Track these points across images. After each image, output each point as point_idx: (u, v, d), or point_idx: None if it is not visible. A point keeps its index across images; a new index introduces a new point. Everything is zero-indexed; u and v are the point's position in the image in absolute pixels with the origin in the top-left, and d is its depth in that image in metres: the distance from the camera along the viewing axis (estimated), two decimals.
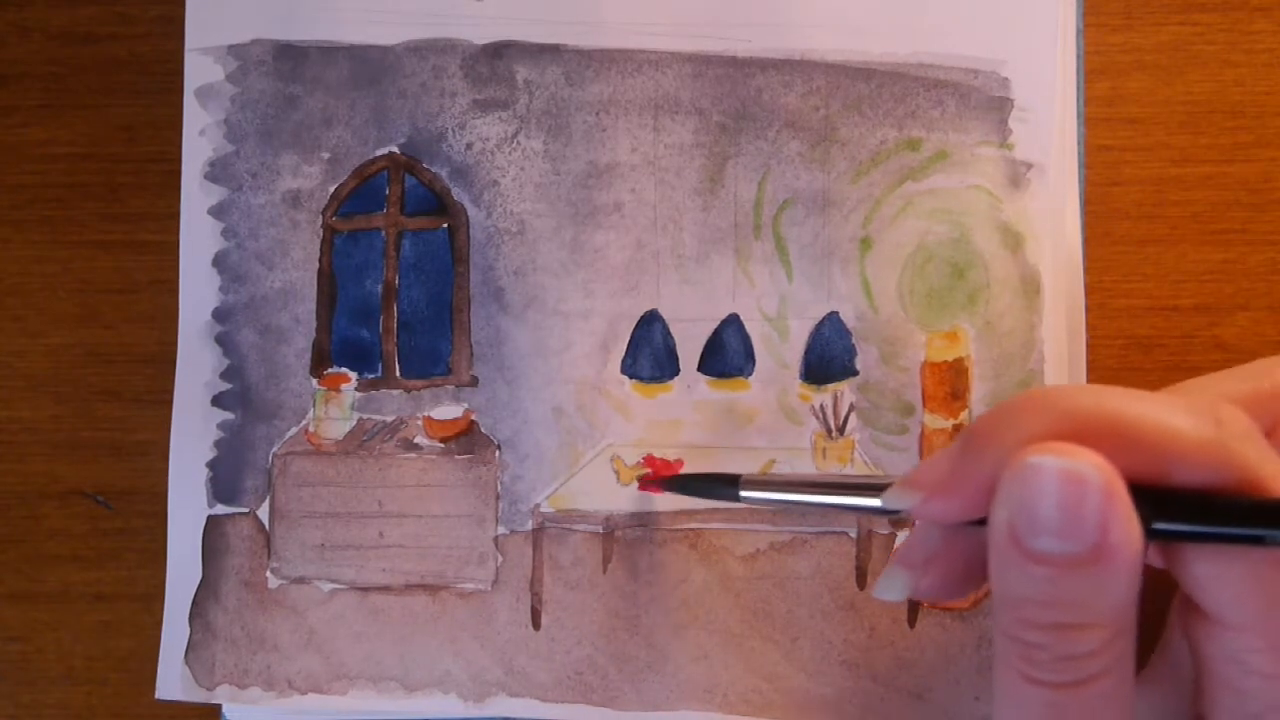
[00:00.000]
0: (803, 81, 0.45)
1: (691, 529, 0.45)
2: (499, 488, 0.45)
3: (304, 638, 0.45)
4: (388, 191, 0.46)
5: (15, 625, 0.47)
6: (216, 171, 0.46)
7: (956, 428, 0.44)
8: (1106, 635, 0.27)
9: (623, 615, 0.45)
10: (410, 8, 0.46)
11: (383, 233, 0.46)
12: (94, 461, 0.47)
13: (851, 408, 0.45)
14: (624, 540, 0.45)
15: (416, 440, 0.46)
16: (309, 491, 0.45)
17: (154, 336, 0.47)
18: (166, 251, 0.46)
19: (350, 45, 0.46)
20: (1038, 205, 0.44)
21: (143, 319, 0.47)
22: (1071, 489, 0.27)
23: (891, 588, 0.34)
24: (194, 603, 0.45)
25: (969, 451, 0.29)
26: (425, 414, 0.46)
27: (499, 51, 0.46)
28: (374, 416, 0.46)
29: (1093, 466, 0.27)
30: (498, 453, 0.45)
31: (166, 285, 0.47)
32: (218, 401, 0.46)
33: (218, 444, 0.46)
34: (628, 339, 0.45)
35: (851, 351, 0.45)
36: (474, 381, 0.45)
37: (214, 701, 0.45)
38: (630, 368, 0.45)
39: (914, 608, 0.44)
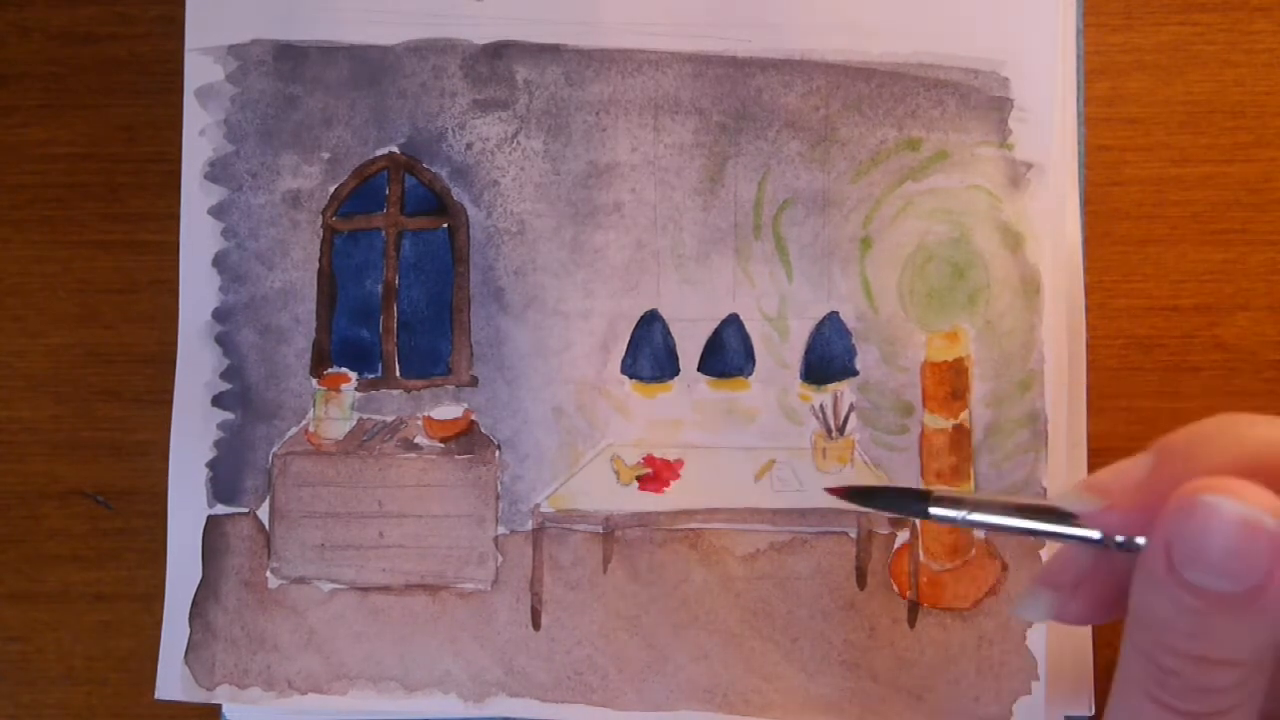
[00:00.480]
0: (803, 81, 0.45)
1: (691, 529, 0.45)
2: (499, 488, 0.45)
3: (304, 638, 0.45)
4: (388, 191, 0.46)
5: (15, 625, 0.47)
6: (216, 171, 0.46)
7: (956, 428, 0.44)
8: (1244, 673, 0.27)
9: (623, 615, 0.45)
10: (410, 8, 0.46)
11: (383, 233, 0.46)
12: (94, 461, 0.47)
13: (851, 408, 0.45)
14: (624, 540, 0.45)
15: (416, 440, 0.46)
16: (309, 491, 0.45)
17: (154, 336, 0.47)
18: (166, 251, 0.46)
19: (350, 45, 0.46)
20: (1038, 205, 0.44)
21: (143, 319, 0.47)
22: (1245, 533, 0.26)
23: (1036, 609, 0.32)
24: (194, 603, 0.45)
25: (1162, 467, 0.29)
26: (425, 414, 0.46)
27: (499, 51, 0.46)
28: (374, 416, 0.46)
29: (1271, 514, 0.26)
30: (498, 453, 0.45)
31: (166, 285, 0.47)
32: (218, 401, 0.46)
33: (218, 444, 0.46)
34: (628, 339, 0.45)
35: (851, 351, 0.45)
36: (474, 381, 0.45)
37: (214, 701, 0.45)
38: (630, 368, 0.45)
39: (914, 608, 0.44)
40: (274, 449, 0.45)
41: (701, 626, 0.44)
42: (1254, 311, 0.46)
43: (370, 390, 0.46)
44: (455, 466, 0.45)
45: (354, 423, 0.46)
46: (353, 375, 0.46)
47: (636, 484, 0.45)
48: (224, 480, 0.45)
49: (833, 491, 0.38)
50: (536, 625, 0.45)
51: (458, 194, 0.46)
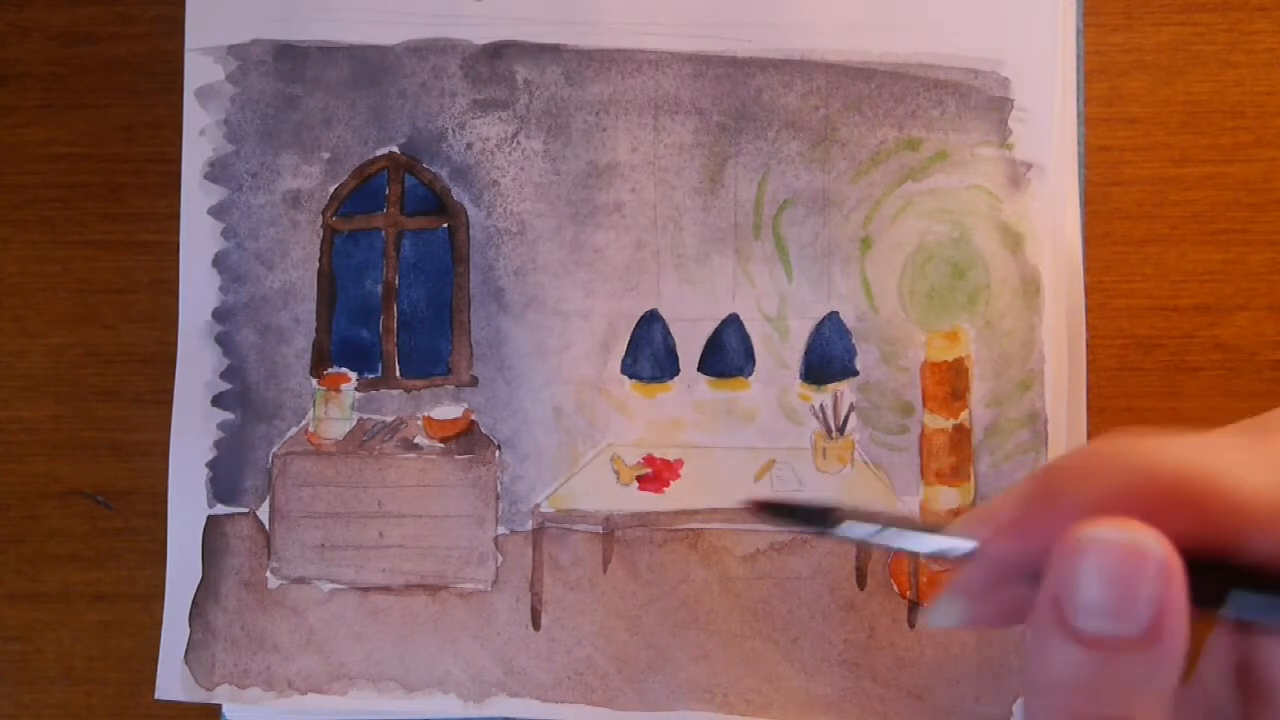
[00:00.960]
0: (803, 81, 0.45)
1: (691, 529, 0.45)
2: (499, 488, 0.45)
3: (304, 638, 0.45)
4: (388, 191, 0.46)
5: (15, 625, 0.47)
6: (216, 171, 0.46)
7: (956, 428, 0.44)
8: None
9: (623, 615, 0.45)
10: (410, 8, 0.46)
11: (383, 233, 0.46)
12: (94, 461, 0.47)
13: (851, 408, 0.45)
14: (624, 540, 0.45)
15: (416, 440, 0.46)
16: (309, 491, 0.45)
17: (154, 336, 0.47)
18: (166, 251, 0.46)
19: (350, 45, 0.46)
20: (1038, 205, 0.44)
21: (143, 319, 0.47)
22: (1127, 570, 0.25)
23: (947, 615, 0.31)
24: (194, 603, 0.45)
25: (1037, 500, 0.28)
26: (425, 414, 0.46)
27: (499, 51, 0.46)
28: (374, 416, 0.46)
29: (1151, 546, 0.25)
30: (498, 453, 0.45)
31: (166, 285, 0.47)
32: (218, 401, 0.46)
33: (218, 444, 0.46)
34: (628, 339, 0.45)
35: (851, 351, 0.45)
36: (474, 381, 0.45)
37: (214, 702, 0.45)
38: (630, 368, 0.45)
39: (914, 608, 0.44)
40: (274, 449, 0.45)
41: (701, 626, 0.44)
42: (1254, 311, 0.46)
43: (370, 390, 0.46)
44: (455, 466, 0.45)
45: (354, 423, 0.46)
46: (353, 375, 0.46)
47: (636, 484, 0.45)
48: (224, 480, 0.45)
49: (748, 507, 0.38)
50: (536, 625, 0.45)
51: (458, 194, 0.46)
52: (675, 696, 0.44)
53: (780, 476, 0.45)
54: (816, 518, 0.32)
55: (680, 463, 0.45)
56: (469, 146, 0.46)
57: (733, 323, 0.45)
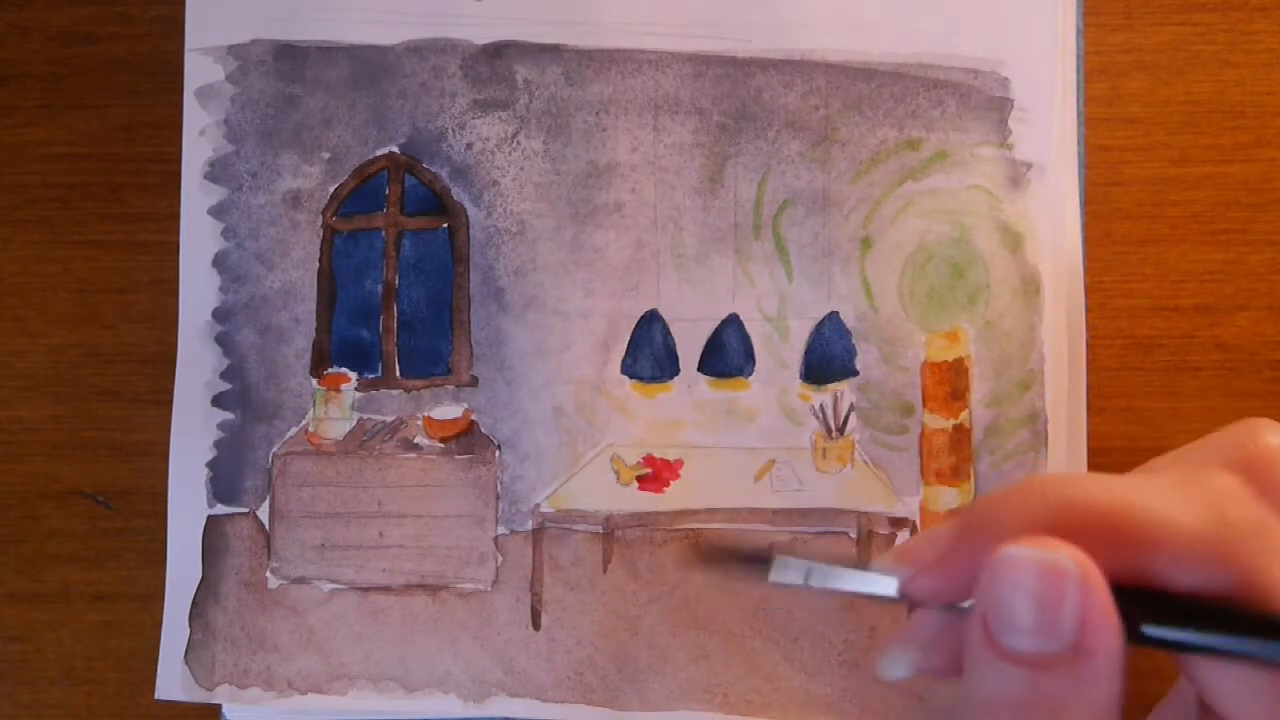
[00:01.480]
0: (803, 81, 0.45)
1: (691, 529, 0.45)
2: (499, 488, 0.45)
3: (304, 638, 0.45)
4: (388, 191, 0.46)
5: (15, 625, 0.47)
6: (216, 171, 0.46)
7: (956, 428, 0.44)
8: None
9: (623, 615, 0.45)
10: (410, 8, 0.46)
11: (383, 233, 0.46)
12: (94, 461, 0.47)
13: (851, 408, 0.45)
14: (624, 540, 0.45)
15: (416, 440, 0.46)
16: (309, 491, 0.45)
17: (154, 336, 0.47)
18: (166, 251, 0.46)
19: (350, 45, 0.46)
20: (1038, 205, 0.44)
21: (143, 319, 0.47)
22: (1048, 584, 0.25)
23: (896, 667, 0.31)
24: (194, 603, 0.45)
25: (962, 534, 0.28)
26: (425, 414, 0.46)
27: (499, 51, 0.46)
28: (374, 416, 0.46)
29: (1070, 560, 0.25)
30: (498, 453, 0.45)
31: (166, 285, 0.47)
32: (218, 401, 0.46)
33: (218, 444, 0.46)
34: (628, 339, 0.45)
35: (851, 351, 0.45)
36: (474, 381, 0.45)
37: (214, 702, 0.45)
38: (630, 367, 0.45)
39: (914, 608, 0.44)
40: (274, 449, 0.45)
41: (701, 626, 0.44)
42: (1254, 311, 0.46)
43: (370, 390, 0.46)
44: (455, 466, 0.45)
45: (354, 423, 0.46)
46: (353, 375, 0.46)
47: (636, 484, 0.45)
48: (224, 480, 0.45)
49: (692, 557, 0.38)
50: (536, 625, 0.45)
51: (458, 194, 0.46)
52: (675, 696, 0.44)
53: (780, 476, 0.45)
54: (753, 561, 0.32)
55: (680, 463, 0.45)
56: (469, 146, 0.46)
57: (733, 323, 0.45)
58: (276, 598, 0.45)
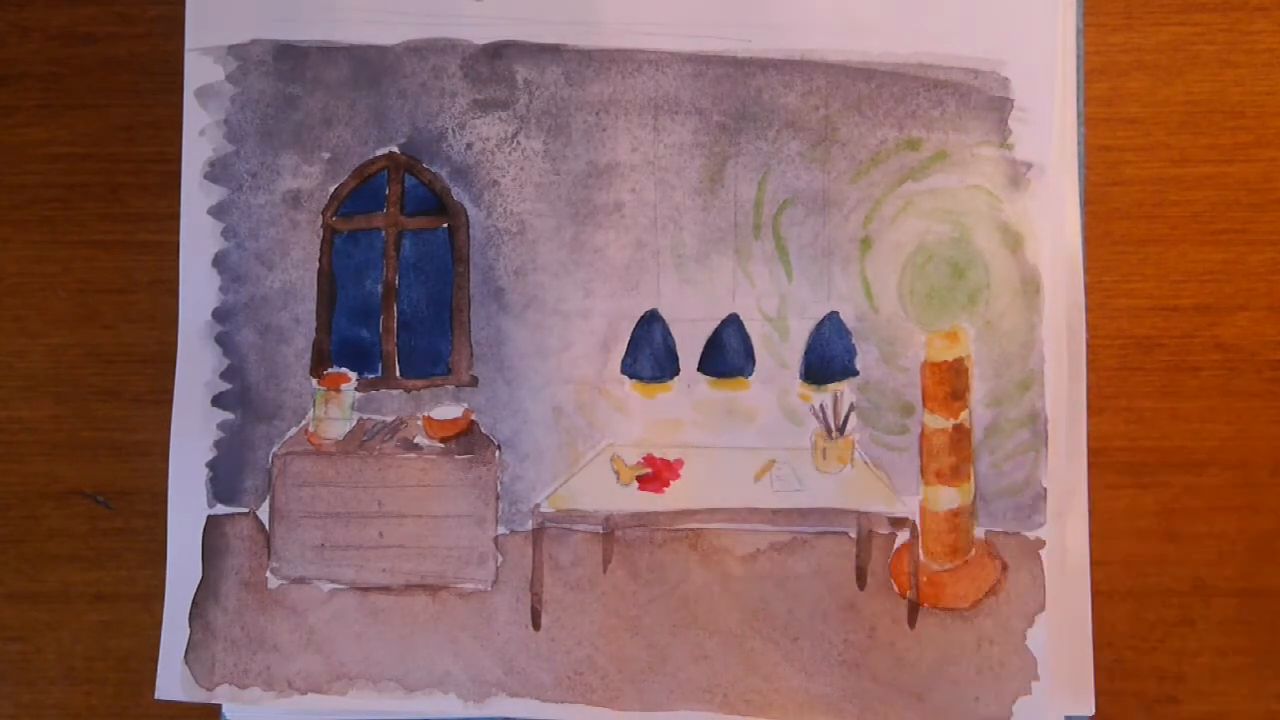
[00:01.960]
0: (803, 81, 0.45)
1: (691, 529, 0.45)
2: (499, 488, 0.45)
3: (304, 638, 0.45)
4: (388, 191, 0.46)
5: (15, 625, 0.47)
6: (216, 171, 0.46)
7: (957, 428, 0.44)
8: None
9: (623, 615, 0.45)
10: (410, 8, 0.46)
11: (383, 233, 0.46)
12: (94, 461, 0.47)
13: (851, 407, 0.45)
14: (624, 540, 0.45)
15: (416, 440, 0.46)
16: (309, 491, 0.45)
17: (154, 336, 0.47)
18: (166, 251, 0.46)
19: (350, 45, 0.46)
20: (1038, 205, 0.44)
21: (143, 319, 0.47)
22: None
23: None
24: (194, 603, 0.45)
25: None
26: (425, 414, 0.46)
27: (499, 51, 0.46)
28: (374, 416, 0.46)
29: None
30: (498, 453, 0.45)
31: (166, 285, 0.47)
32: (218, 401, 0.46)
33: (218, 444, 0.46)
34: (628, 339, 0.45)
35: (851, 351, 0.45)
36: (474, 381, 0.45)
37: (214, 702, 0.45)
38: (630, 367, 0.45)
39: (914, 608, 0.44)
40: (274, 449, 0.45)
41: (701, 626, 0.44)
42: (1254, 311, 0.46)
43: (370, 390, 0.46)
44: (455, 466, 0.45)
45: (354, 423, 0.46)
46: (353, 375, 0.46)
47: (636, 484, 0.45)
48: (224, 480, 0.45)
49: None
50: (536, 625, 0.45)
51: (458, 194, 0.46)
52: (675, 696, 0.44)
53: (780, 476, 0.45)
54: None
55: (680, 463, 0.45)
56: (469, 146, 0.46)
57: (733, 323, 0.45)
58: (276, 598, 0.45)
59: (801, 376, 0.45)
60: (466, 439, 0.45)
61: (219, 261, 0.46)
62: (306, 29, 0.46)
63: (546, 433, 0.45)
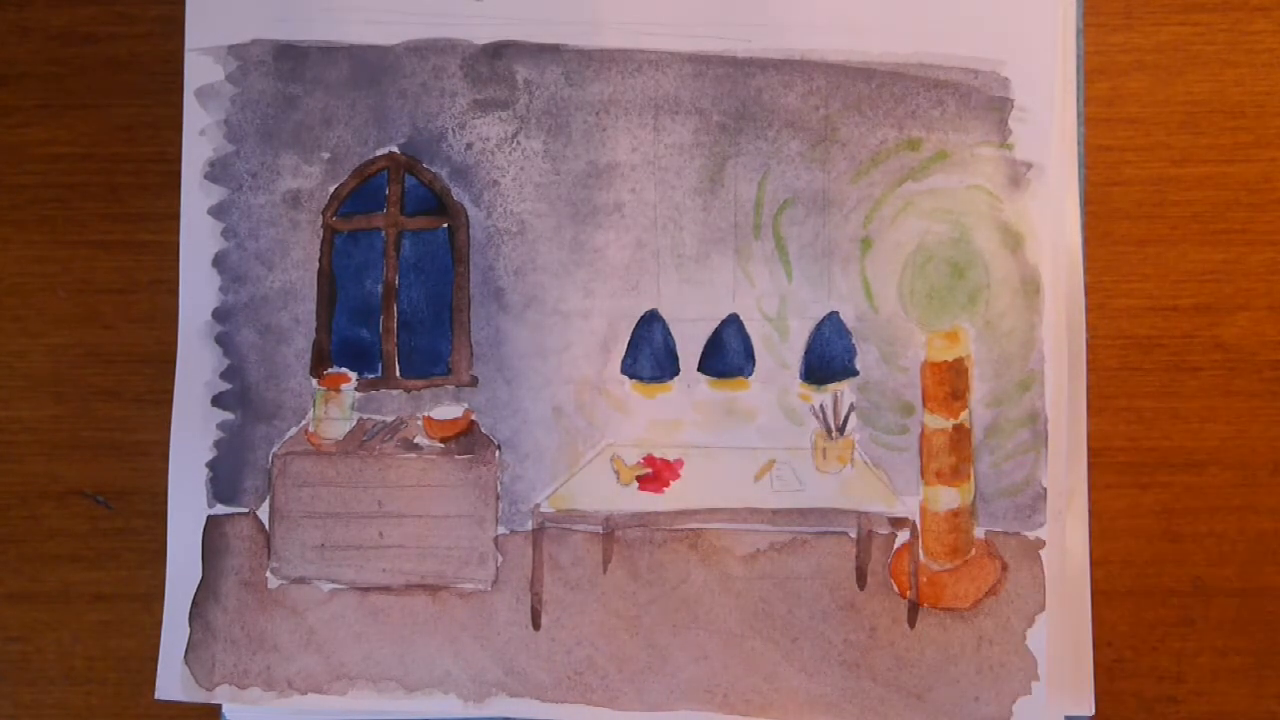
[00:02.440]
0: (803, 81, 0.45)
1: (691, 529, 0.45)
2: (499, 488, 0.45)
3: (304, 638, 0.45)
4: (388, 191, 0.46)
5: (15, 625, 0.47)
6: (216, 171, 0.46)
7: (957, 428, 0.44)
8: None
9: (623, 615, 0.45)
10: (410, 8, 0.46)
11: (383, 233, 0.46)
12: (94, 461, 0.47)
13: (852, 407, 0.45)
14: (624, 540, 0.45)
15: (416, 440, 0.46)
16: (309, 491, 0.45)
17: (154, 336, 0.47)
18: (166, 251, 0.46)
19: (350, 45, 0.46)
20: (1038, 205, 0.44)
21: (143, 319, 0.47)
22: None
23: None
24: (194, 603, 0.45)
25: None
26: (425, 414, 0.46)
27: (499, 51, 0.46)
28: (374, 416, 0.46)
29: None
30: (498, 453, 0.45)
31: (166, 285, 0.47)
32: (218, 401, 0.46)
33: (218, 444, 0.46)
34: (628, 339, 0.45)
35: (851, 351, 0.45)
36: (474, 381, 0.45)
37: (214, 702, 0.45)
38: (630, 367, 0.45)
39: (914, 608, 0.44)
40: (274, 449, 0.45)
41: (701, 626, 0.44)
42: (1254, 311, 0.46)
43: (370, 390, 0.46)
44: (455, 466, 0.45)
45: (354, 423, 0.46)
46: (353, 375, 0.46)
47: (636, 484, 0.45)
48: (224, 480, 0.45)
49: None
50: (536, 625, 0.45)
51: (458, 194, 0.46)
52: (675, 696, 0.44)
53: (780, 476, 0.45)
54: None
55: (680, 463, 0.45)
56: (469, 146, 0.46)
57: (733, 323, 0.45)
58: (276, 598, 0.45)
59: (801, 376, 0.45)
60: (466, 439, 0.45)
61: (219, 261, 0.46)
62: (306, 29, 0.46)
63: (546, 433, 0.45)
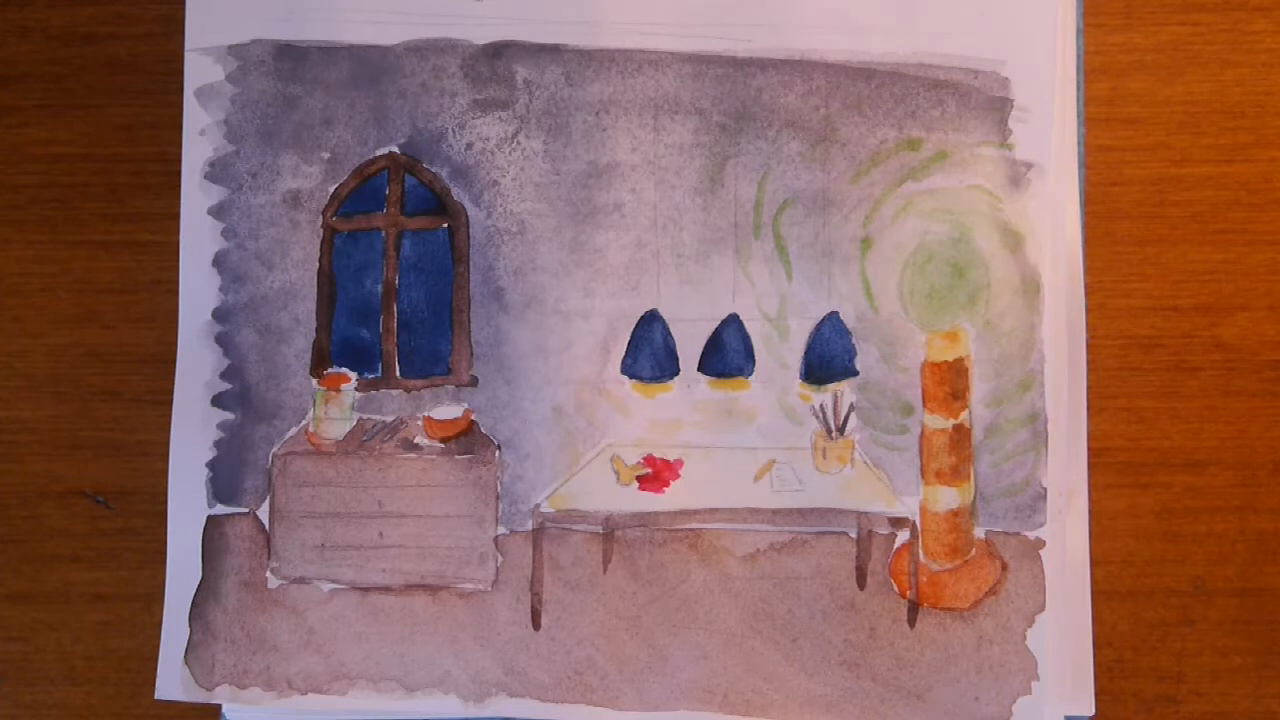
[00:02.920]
0: (803, 81, 0.45)
1: (691, 529, 0.45)
2: (499, 488, 0.45)
3: (304, 638, 0.45)
4: (388, 191, 0.46)
5: (15, 625, 0.47)
6: (216, 171, 0.46)
7: (957, 428, 0.44)
8: None
9: (623, 615, 0.45)
10: (410, 8, 0.46)
11: (383, 233, 0.46)
12: (94, 461, 0.47)
13: (852, 408, 0.45)
14: (624, 540, 0.45)
15: (416, 440, 0.46)
16: (309, 491, 0.45)
17: (154, 336, 0.47)
18: (166, 251, 0.46)
19: (350, 45, 0.46)
20: (1038, 205, 0.44)
21: (143, 319, 0.47)
22: None
23: None
24: (194, 603, 0.45)
25: None
26: (425, 414, 0.46)
27: (499, 51, 0.46)
28: (374, 416, 0.46)
29: None
30: (498, 453, 0.45)
31: (166, 285, 0.47)
32: (218, 401, 0.46)
33: (218, 444, 0.46)
34: (628, 339, 0.45)
35: (851, 351, 0.45)
36: (474, 381, 0.45)
37: (214, 702, 0.45)
38: (630, 367, 0.45)
39: (914, 608, 0.44)
40: (274, 449, 0.45)
41: (701, 626, 0.44)
42: (1254, 311, 0.46)
43: (370, 390, 0.46)
44: (455, 466, 0.45)
45: (354, 423, 0.46)
46: (353, 375, 0.46)
47: (636, 484, 0.45)
48: (224, 480, 0.45)
49: None
50: (536, 625, 0.45)
51: (458, 194, 0.46)
52: (675, 696, 0.44)
53: (780, 476, 0.45)
54: None
55: (680, 463, 0.45)
56: (469, 146, 0.46)
57: (733, 323, 0.45)
58: (276, 598, 0.45)
59: (801, 376, 0.45)
60: (466, 439, 0.45)
61: (219, 261, 0.46)
62: (306, 29, 0.46)
63: (546, 433, 0.45)
